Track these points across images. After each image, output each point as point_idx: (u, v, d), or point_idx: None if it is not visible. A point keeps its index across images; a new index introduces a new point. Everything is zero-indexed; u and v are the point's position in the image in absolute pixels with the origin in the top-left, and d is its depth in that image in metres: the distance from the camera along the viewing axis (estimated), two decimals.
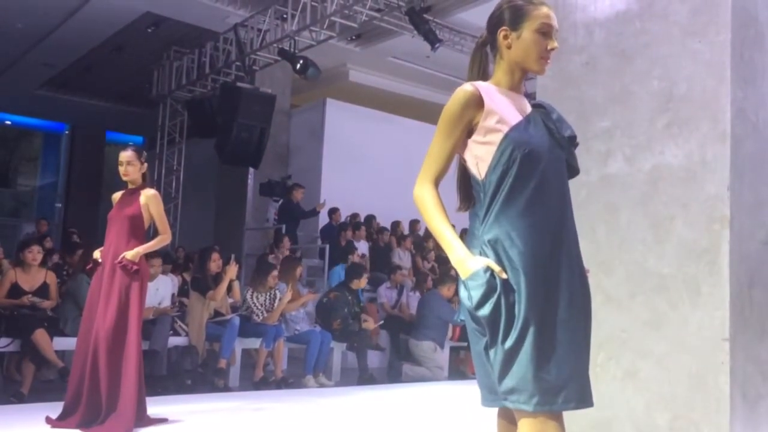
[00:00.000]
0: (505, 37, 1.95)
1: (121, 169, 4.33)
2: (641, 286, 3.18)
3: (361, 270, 7.85)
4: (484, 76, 2.02)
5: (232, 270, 6.67)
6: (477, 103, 1.89)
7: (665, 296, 3.09)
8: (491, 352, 1.79)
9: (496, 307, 1.75)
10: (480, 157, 1.88)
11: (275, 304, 6.85)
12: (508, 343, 1.74)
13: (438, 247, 10.72)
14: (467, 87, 1.91)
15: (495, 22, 1.99)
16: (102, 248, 4.30)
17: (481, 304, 1.76)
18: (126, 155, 4.32)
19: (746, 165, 3.06)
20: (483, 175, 1.87)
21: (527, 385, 1.74)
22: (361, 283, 7.72)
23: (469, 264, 1.79)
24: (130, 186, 4.38)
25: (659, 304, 3.11)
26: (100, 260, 4.26)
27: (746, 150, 3.07)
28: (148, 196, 4.30)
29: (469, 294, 1.77)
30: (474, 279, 1.77)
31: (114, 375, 4.01)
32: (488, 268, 1.77)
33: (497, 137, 1.86)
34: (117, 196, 4.44)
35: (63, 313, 5.92)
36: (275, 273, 7.00)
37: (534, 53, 1.95)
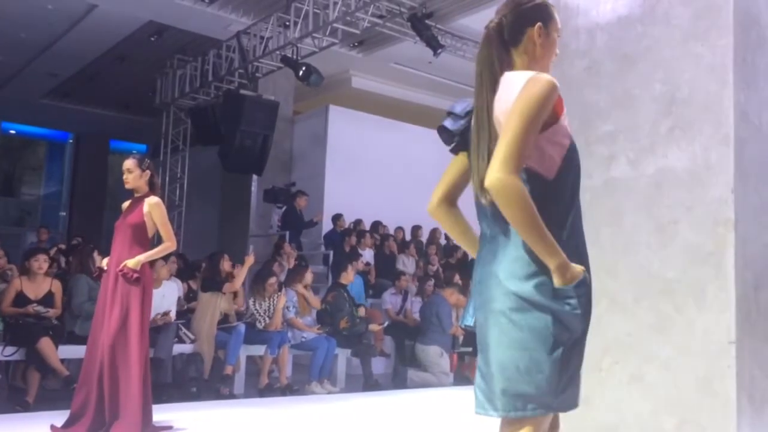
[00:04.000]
0: (540, 34, 1.88)
1: (124, 177, 4.38)
2: (646, 290, 3.17)
3: (344, 263, 7.85)
4: (502, 70, 1.86)
5: (250, 260, 6.84)
6: (558, 99, 1.78)
7: (670, 300, 3.09)
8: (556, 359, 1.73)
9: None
10: (551, 156, 1.78)
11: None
12: (564, 353, 1.75)
13: (442, 254, 10.70)
14: (553, 79, 1.77)
15: (527, 15, 1.88)
16: (109, 257, 4.33)
17: (588, 312, 1.76)
18: (126, 163, 4.36)
19: (750, 168, 3.06)
20: (553, 175, 1.78)
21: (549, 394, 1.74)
22: (349, 276, 7.69)
23: (574, 270, 1.74)
24: (135, 194, 4.38)
25: (664, 308, 3.10)
26: (105, 268, 4.30)
27: (750, 153, 3.06)
28: (150, 203, 4.29)
29: (578, 302, 1.74)
30: (580, 287, 1.74)
31: (115, 382, 4.01)
32: (586, 277, 1.76)
33: (567, 140, 1.81)
34: (126, 204, 4.47)
35: (70, 315, 5.93)
36: (272, 280, 7.01)
37: (553, 56, 1.94)
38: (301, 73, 9.30)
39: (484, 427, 5.09)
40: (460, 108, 1.97)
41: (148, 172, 4.39)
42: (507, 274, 1.76)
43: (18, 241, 15.23)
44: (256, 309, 6.84)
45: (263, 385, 6.58)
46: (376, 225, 10.88)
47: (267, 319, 6.81)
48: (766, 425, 2.99)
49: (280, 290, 7.07)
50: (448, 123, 1.97)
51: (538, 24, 1.88)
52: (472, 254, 2.04)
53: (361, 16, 8.59)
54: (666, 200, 3.15)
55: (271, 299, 6.91)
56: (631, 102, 3.33)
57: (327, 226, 10.73)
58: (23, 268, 5.94)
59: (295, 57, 9.45)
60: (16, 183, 18.33)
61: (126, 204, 4.45)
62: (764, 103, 3.18)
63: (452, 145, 1.97)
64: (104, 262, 4.36)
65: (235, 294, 6.98)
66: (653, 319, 3.13)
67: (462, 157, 2.00)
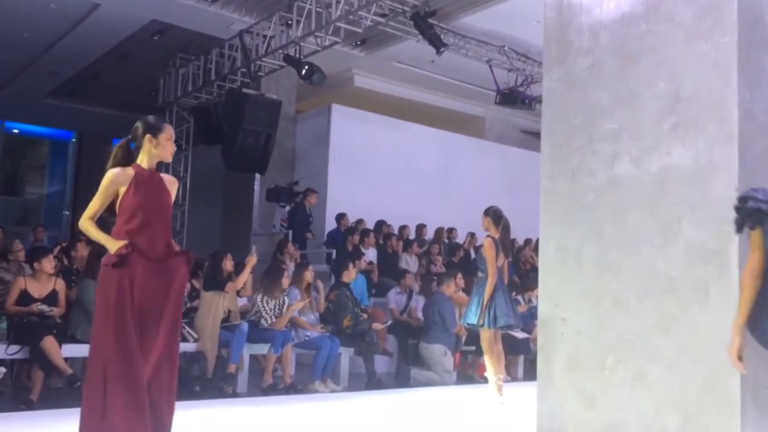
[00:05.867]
0: None
1: (171, 145, 3.58)
2: (650, 289, 3.17)
3: (346, 261, 7.85)
4: None
5: (253, 260, 6.84)
6: None
7: (674, 299, 3.08)
8: None
9: None
10: None
11: (284, 310, 6.87)
12: None
13: (445, 252, 10.69)
14: None
15: None
16: (127, 241, 3.37)
17: None
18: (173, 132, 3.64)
19: (754, 165, 3.05)
20: None
21: None
22: (351, 274, 7.68)
23: None
24: (147, 165, 3.52)
25: (668, 307, 3.09)
26: (126, 250, 3.34)
27: (754, 150, 3.06)
28: (172, 183, 3.64)
29: None
30: None
31: (167, 380, 3.48)
32: None
33: None
34: (126, 174, 3.46)
35: (73, 318, 5.94)
36: (286, 280, 7.04)
37: None
38: (303, 72, 9.30)
39: (486, 425, 5.08)
40: (761, 194, 2.41)
41: None
42: None
43: (21, 240, 15.24)
44: (263, 306, 6.83)
45: (267, 384, 6.57)
46: (380, 224, 10.88)
47: (273, 318, 6.81)
48: None
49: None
50: (758, 204, 2.39)
51: None
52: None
53: (364, 15, 8.58)
54: (670, 198, 3.14)
55: (278, 299, 6.92)
56: (634, 100, 3.32)
57: (330, 224, 10.74)
58: (29, 267, 5.95)
59: (297, 56, 9.44)
60: (19, 182, 18.36)
61: (126, 173, 3.46)
62: None
63: (749, 222, 2.41)
64: (121, 246, 3.35)
65: (238, 292, 7.01)
66: (657, 318, 3.13)
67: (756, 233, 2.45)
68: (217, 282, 6.70)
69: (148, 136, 3.51)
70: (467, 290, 8.54)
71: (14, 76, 13.33)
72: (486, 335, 5.92)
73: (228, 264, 6.87)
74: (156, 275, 3.41)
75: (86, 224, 3.48)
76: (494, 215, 6.04)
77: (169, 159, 3.60)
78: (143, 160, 3.52)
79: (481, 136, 14.43)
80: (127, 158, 3.54)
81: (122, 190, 3.46)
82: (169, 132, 3.58)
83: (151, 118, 3.64)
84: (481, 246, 6.26)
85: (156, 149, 3.52)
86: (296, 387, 6.64)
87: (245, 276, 6.85)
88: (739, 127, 2.97)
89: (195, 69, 11.41)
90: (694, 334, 2.99)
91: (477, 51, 10.83)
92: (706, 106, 3.07)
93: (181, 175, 12.25)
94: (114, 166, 3.50)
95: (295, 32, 9.13)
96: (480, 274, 6.04)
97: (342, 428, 5.02)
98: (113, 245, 3.38)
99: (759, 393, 2.95)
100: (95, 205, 3.49)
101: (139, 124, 3.55)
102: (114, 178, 3.47)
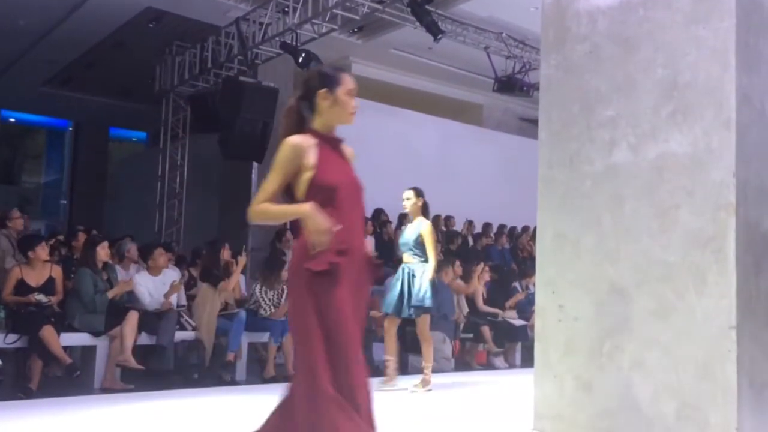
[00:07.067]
0: None
1: (352, 103, 2.68)
2: (647, 276, 3.17)
3: None
4: None
5: (243, 261, 6.89)
6: None
7: (671, 285, 3.08)
8: None
9: None
10: None
11: (282, 299, 6.88)
12: None
13: (443, 240, 10.69)
14: None
15: None
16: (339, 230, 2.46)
17: None
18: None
19: (752, 152, 3.05)
20: None
21: None
22: None
23: None
24: (324, 131, 2.66)
25: (665, 293, 3.10)
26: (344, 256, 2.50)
27: (752, 137, 3.05)
28: (352, 154, 2.84)
29: None
30: None
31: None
32: None
33: None
34: (307, 142, 2.57)
35: (70, 308, 5.94)
36: (285, 271, 7.05)
37: None
38: (300, 59, 9.26)
39: (484, 413, 5.10)
40: None
41: None
42: None
43: None
44: (262, 296, 6.84)
45: (269, 376, 6.54)
46: (378, 212, 10.87)
47: (272, 308, 6.82)
48: (766, 409, 3.00)
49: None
50: None
51: None
52: None
53: (361, 2, 8.54)
54: (667, 185, 3.14)
55: (277, 289, 6.93)
56: (632, 86, 3.31)
57: None
58: (24, 256, 5.95)
59: (294, 43, 9.40)
60: (16, 171, 18.34)
61: (306, 143, 2.56)
62: (767, 86, 3.16)
63: None
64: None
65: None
66: (654, 305, 3.13)
67: None
68: (212, 275, 6.71)
69: (322, 91, 2.61)
70: (465, 278, 8.57)
71: (10, 64, 13.28)
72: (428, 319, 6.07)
73: (225, 254, 6.88)
74: (357, 275, 2.61)
75: (262, 208, 2.63)
76: (424, 197, 6.19)
77: (350, 121, 2.71)
78: (318, 123, 2.65)
79: (479, 123, 14.41)
80: (301, 123, 2.66)
81: (306, 163, 2.55)
82: (348, 84, 2.64)
83: (325, 68, 2.82)
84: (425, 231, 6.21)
85: (333, 108, 2.63)
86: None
87: (236, 277, 6.88)
88: (736, 113, 2.96)
89: (191, 57, 11.36)
90: (691, 320, 3.00)
91: (475, 38, 10.79)
92: (704, 92, 3.06)
93: (179, 163, 12.23)
94: (288, 134, 2.61)
95: (292, 19, 9.09)
96: (414, 259, 6.10)
97: None
98: (320, 235, 2.43)
99: (755, 378, 2.96)
100: (272, 185, 2.60)
101: (311, 77, 2.71)
102: (296, 148, 2.55)
